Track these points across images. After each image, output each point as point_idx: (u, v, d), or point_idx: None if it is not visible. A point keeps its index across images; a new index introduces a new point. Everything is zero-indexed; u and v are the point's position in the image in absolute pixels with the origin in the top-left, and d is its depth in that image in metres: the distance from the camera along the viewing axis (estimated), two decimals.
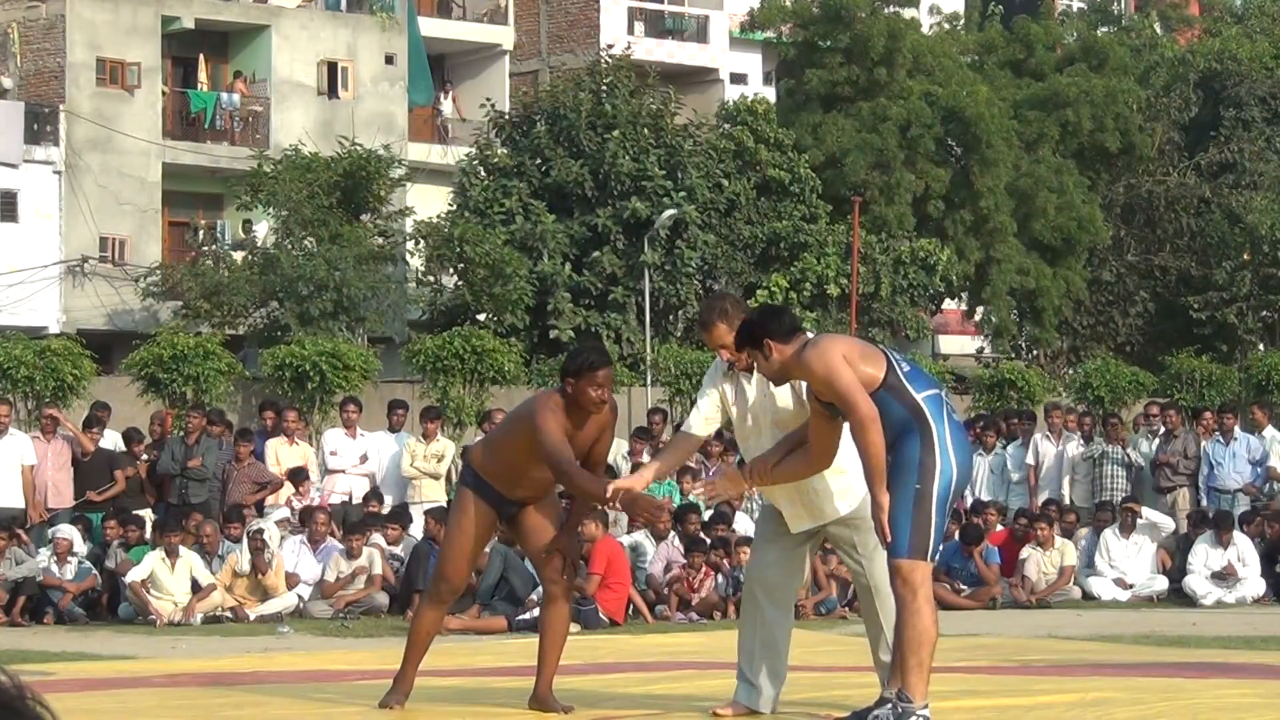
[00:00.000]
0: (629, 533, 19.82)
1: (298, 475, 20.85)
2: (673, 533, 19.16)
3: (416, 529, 19.91)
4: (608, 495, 9.10)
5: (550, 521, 9.64)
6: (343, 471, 21.55)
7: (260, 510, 20.55)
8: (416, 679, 9.78)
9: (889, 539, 8.48)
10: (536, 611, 17.24)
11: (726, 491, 9.41)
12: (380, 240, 38.91)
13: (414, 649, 9.74)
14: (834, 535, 9.34)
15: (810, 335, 8.76)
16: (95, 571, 18.97)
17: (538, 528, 9.58)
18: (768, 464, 9.02)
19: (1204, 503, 22.43)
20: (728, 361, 9.19)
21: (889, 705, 8.66)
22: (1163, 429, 23.16)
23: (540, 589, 17.89)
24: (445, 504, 20.60)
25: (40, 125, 42.08)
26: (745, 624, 9.52)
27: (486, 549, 18.38)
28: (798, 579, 9.71)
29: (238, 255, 39.74)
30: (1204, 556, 20.65)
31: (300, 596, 18.89)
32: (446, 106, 49.22)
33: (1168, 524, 21.43)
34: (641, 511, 9.30)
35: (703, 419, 9.41)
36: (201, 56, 44.99)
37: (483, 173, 40.34)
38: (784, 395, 9.17)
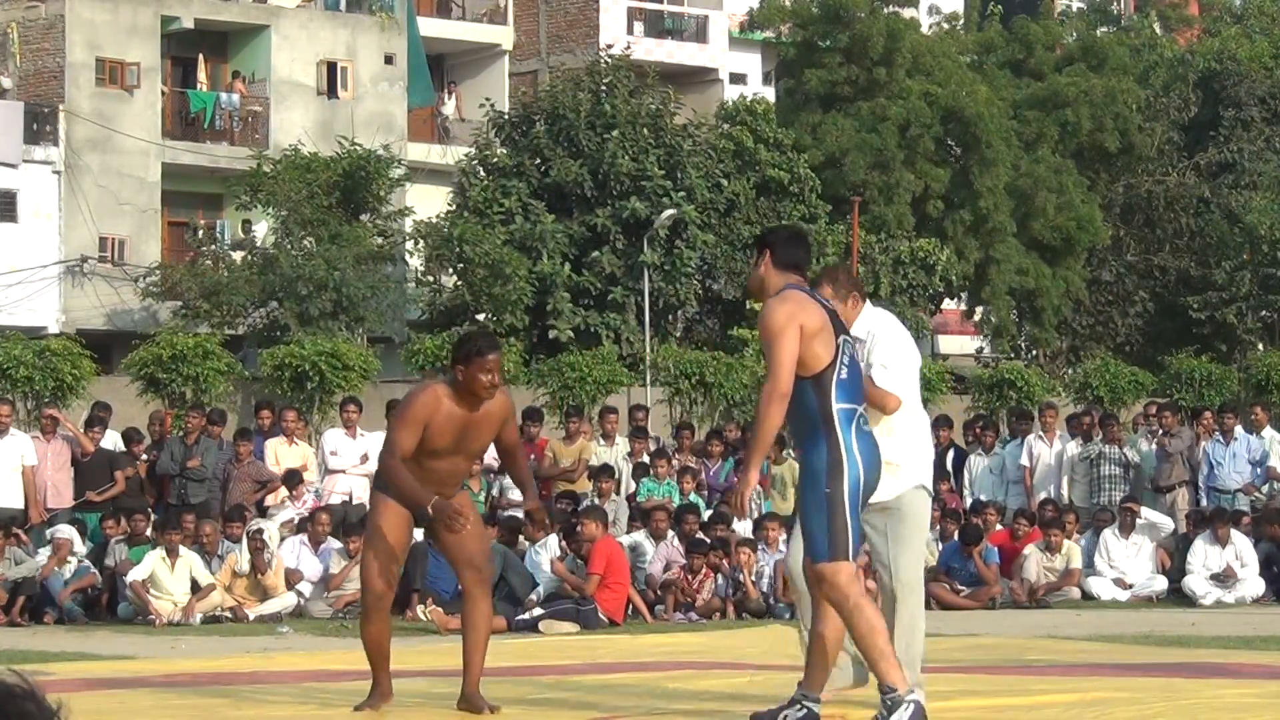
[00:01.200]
0: (628, 533, 19.83)
1: (291, 479, 20.81)
2: (671, 533, 19.17)
3: (415, 529, 19.88)
4: (429, 508, 9.33)
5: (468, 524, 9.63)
6: (343, 471, 21.55)
7: (261, 510, 20.55)
8: (417, 677, 9.76)
9: (745, 515, 8.59)
10: (537, 611, 17.35)
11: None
12: (380, 240, 38.93)
13: (376, 660, 9.67)
14: (871, 521, 9.32)
15: (796, 284, 8.72)
16: (94, 570, 18.97)
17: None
18: None
19: (1204, 503, 22.42)
20: None
21: (880, 701, 8.68)
22: (1159, 429, 23.16)
23: (539, 588, 17.99)
24: None
25: (40, 125, 42.09)
26: (800, 616, 9.62)
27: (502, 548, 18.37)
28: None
29: (237, 255, 39.76)
30: (1203, 556, 20.65)
31: (301, 594, 18.89)
32: (448, 107, 49.23)
33: (1167, 524, 21.42)
34: (439, 518, 9.35)
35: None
36: (201, 56, 44.99)
37: (482, 173, 40.35)
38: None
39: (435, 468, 9.41)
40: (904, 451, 9.28)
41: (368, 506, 20.56)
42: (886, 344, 9.35)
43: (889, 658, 8.51)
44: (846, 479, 8.48)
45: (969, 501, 22.35)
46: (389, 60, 46.13)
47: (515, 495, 21.59)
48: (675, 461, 21.96)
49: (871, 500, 9.22)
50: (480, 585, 9.58)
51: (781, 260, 8.75)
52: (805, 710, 8.86)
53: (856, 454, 8.51)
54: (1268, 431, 23.13)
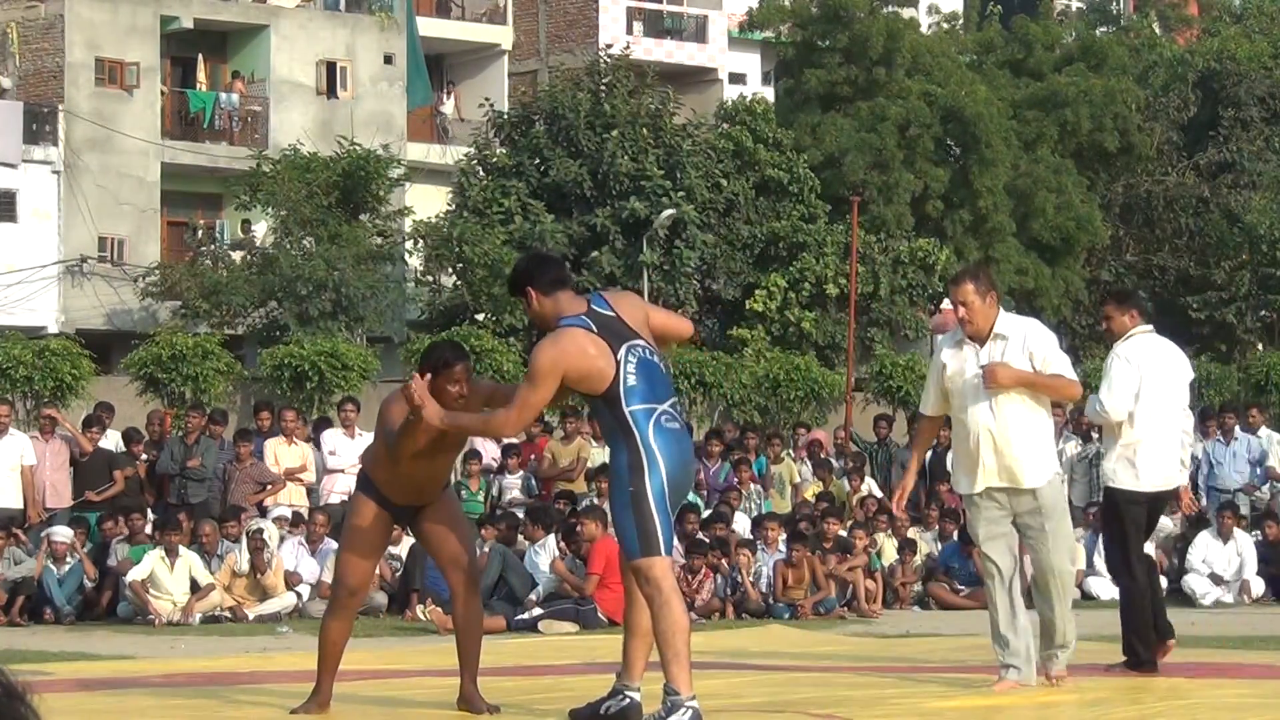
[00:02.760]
0: None
1: (297, 520, 20.72)
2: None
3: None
4: (439, 420, 9.06)
5: (451, 523, 9.58)
6: (342, 471, 21.54)
7: (263, 510, 20.54)
8: (422, 676, 9.74)
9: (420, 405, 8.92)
10: (537, 611, 17.35)
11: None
12: (379, 240, 38.92)
13: (326, 661, 9.63)
14: (1019, 508, 10.30)
15: (569, 311, 8.84)
16: (84, 568, 18.96)
17: (438, 531, 9.54)
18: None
19: (1204, 503, 22.41)
20: (958, 321, 10.31)
21: (662, 701, 8.81)
22: None
23: (539, 588, 17.98)
24: None
25: (39, 125, 42.08)
26: (990, 609, 10.44)
27: (484, 552, 18.35)
28: (1013, 559, 10.43)
29: (236, 255, 39.75)
30: (1203, 551, 20.63)
31: (299, 594, 18.88)
32: (447, 107, 49.23)
33: (1166, 524, 21.40)
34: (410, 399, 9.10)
35: (929, 401, 10.63)
36: (200, 56, 44.99)
37: (481, 173, 40.36)
38: (1017, 362, 10.16)
39: (416, 469, 9.34)
40: (1044, 434, 10.36)
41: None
42: (1043, 341, 10.31)
43: (683, 660, 8.69)
44: (649, 477, 8.68)
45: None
46: (388, 60, 46.12)
47: (515, 495, 21.62)
48: None
49: (1010, 485, 10.23)
50: (469, 585, 9.55)
51: (546, 288, 8.92)
52: (628, 700, 9.08)
53: (657, 452, 8.71)
54: (1264, 431, 23.12)
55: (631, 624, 9.12)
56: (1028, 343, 10.22)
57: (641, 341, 8.83)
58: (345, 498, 21.32)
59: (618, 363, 8.72)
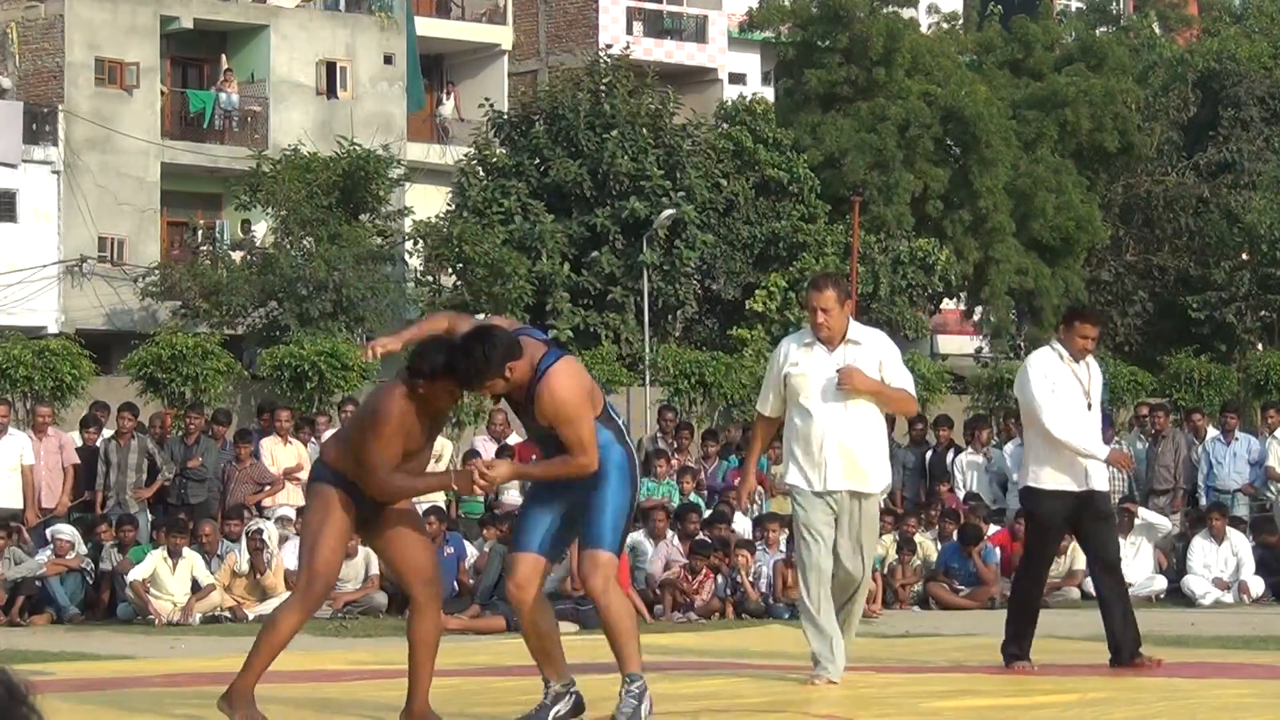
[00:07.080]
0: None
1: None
2: (671, 532, 19.17)
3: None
4: (451, 481, 9.18)
5: (414, 531, 9.11)
6: None
7: (261, 510, 20.55)
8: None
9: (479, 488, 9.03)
10: None
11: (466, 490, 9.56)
12: (379, 240, 38.92)
13: (270, 653, 9.07)
14: (849, 512, 10.62)
15: (541, 345, 8.79)
16: (88, 567, 18.99)
17: (401, 538, 9.04)
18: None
19: (1203, 503, 22.41)
20: (816, 326, 10.53)
21: (626, 689, 8.96)
22: (1152, 429, 23.13)
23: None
24: (443, 504, 20.61)
25: (39, 125, 42.07)
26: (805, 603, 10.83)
27: (484, 551, 18.34)
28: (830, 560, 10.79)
29: (236, 255, 39.75)
30: (1202, 555, 20.65)
31: None
32: (447, 107, 49.23)
33: (1164, 524, 21.42)
34: (465, 485, 9.01)
35: (768, 402, 10.86)
36: (224, 56, 45.01)
37: (481, 173, 40.35)
38: (868, 369, 10.47)
39: (406, 469, 8.90)
40: (885, 449, 10.78)
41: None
42: (892, 354, 10.70)
43: (634, 637, 8.96)
44: (636, 477, 8.98)
45: (962, 494, 22.38)
46: (388, 60, 46.11)
47: (513, 495, 21.60)
48: (675, 461, 21.94)
49: (853, 489, 10.53)
50: (432, 599, 9.03)
51: (516, 353, 8.64)
52: (573, 695, 9.18)
53: (628, 439, 8.99)
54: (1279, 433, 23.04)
55: (536, 627, 9.03)
56: (878, 352, 10.60)
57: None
58: None
59: (591, 380, 8.96)
